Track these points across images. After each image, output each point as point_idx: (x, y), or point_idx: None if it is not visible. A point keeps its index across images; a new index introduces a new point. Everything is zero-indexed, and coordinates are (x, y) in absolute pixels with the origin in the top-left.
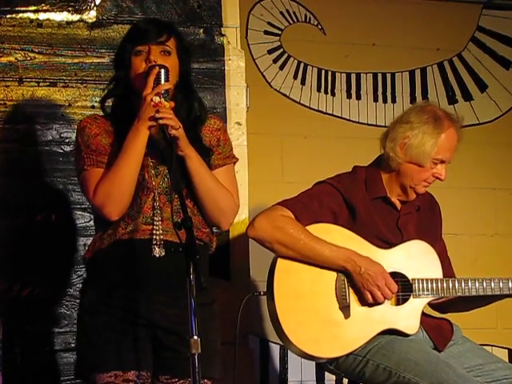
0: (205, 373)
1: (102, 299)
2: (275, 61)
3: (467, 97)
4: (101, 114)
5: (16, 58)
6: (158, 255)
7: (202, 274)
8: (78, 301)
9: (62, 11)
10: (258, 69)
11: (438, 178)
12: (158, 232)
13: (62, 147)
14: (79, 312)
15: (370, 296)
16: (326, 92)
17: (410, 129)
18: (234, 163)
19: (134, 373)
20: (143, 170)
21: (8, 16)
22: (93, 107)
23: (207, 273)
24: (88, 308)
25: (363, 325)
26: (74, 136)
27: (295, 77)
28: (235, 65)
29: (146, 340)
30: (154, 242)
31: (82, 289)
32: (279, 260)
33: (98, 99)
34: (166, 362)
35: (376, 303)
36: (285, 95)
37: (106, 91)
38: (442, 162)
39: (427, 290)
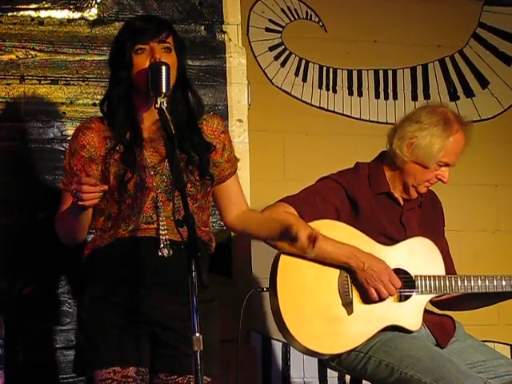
0: (204, 370)
1: (102, 296)
2: (276, 58)
3: (469, 93)
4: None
5: (17, 56)
6: (166, 255)
7: (204, 272)
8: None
9: (63, 9)
10: (260, 66)
11: (440, 180)
12: (164, 232)
13: (64, 145)
14: (78, 309)
15: (374, 292)
16: (327, 89)
17: (419, 129)
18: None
19: (133, 369)
20: (140, 170)
21: (9, 14)
22: (94, 105)
23: (206, 271)
24: (88, 305)
25: (366, 321)
26: None
27: (297, 74)
28: (236, 62)
29: (145, 337)
30: (162, 242)
31: (81, 285)
32: (282, 256)
33: (99, 97)
34: (165, 359)
35: (379, 300)
36: (286, 92)
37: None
38: (447, 165)
39: (430, 287)
